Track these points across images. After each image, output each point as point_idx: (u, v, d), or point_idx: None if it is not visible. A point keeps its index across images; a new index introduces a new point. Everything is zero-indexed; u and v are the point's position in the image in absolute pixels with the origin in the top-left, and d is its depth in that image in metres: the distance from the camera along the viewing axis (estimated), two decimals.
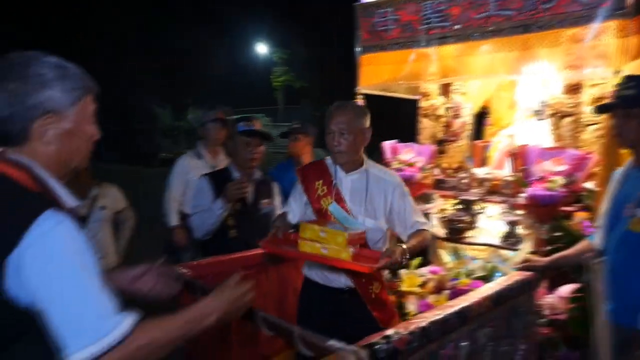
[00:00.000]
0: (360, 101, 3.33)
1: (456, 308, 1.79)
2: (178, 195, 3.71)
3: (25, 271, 1.07)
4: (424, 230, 2.31)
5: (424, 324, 1.63)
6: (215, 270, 2.47)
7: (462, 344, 1.87)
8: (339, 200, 2.30)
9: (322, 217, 2.30)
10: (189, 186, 3.57)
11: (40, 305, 1.09)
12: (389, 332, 1.53)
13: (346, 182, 2.32)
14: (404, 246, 2.08)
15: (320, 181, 2.36)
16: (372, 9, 3.16)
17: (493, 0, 2.58)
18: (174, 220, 3.70)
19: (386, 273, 2.70)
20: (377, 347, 1.45)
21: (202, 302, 1.37)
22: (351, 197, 2.30)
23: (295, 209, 2.44)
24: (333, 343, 1.47)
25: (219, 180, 2.89)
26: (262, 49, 21.00)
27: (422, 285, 2.93)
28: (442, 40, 2.83)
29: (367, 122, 2.31)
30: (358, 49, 3.30)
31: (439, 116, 3.39)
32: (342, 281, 2.30)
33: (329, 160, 2.40)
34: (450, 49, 2.83)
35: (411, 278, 2.95)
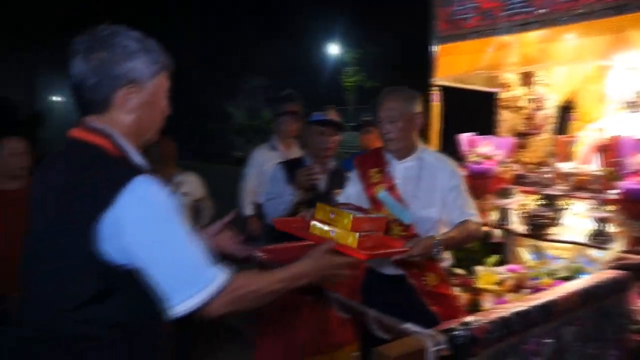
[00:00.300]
0: (435, 93, 3.27)
1: (541, 301, 1.70)
2: (253, 186, 3.80)
3: (123, 233, 1.13)
4: (470, 221, 2.17)
5: (505, 314, 1.56)
6: (289, 256, 2.51)
7: (546, 340, 1.77)
8: (392, 188, 2.27)
9: (374, 205, 2.28)
10: (263, 178, 3.64)
11: (139, 263, 1.16)
12: (468, 319, 1.48)
13: (399, 169, 2.29)
14: (437, 237, 2.01)
15: (375, 169, 2.34)
16: None
17: None
18: (248, 210, 3.80)
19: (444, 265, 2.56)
20: (455, 332, 1.41)
21: (299, 263, 1.44)
22: (403, 185, 2.26)
23: (352, 196, 2.41)
24: (409, 326, 1.44)
25: (292, 168, 2.93)
26: (333, 49, 21.13)
27: (500, 283, 2.81)
28: (525, 26, 2.70)
29: (418, 107, 2.25)
30: (434, 40, 3.23)
31: (520, 108, 3.24)
32: (391, 269, 2.25)
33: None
34: (533, 36, 2.70)
35: (487, 275, 2.84)
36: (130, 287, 1.19)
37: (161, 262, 1.16)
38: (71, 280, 1.18)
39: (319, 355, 2.71)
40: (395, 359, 1.27)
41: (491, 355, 1.57)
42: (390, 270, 2.28)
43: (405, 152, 2.28)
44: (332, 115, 2.93)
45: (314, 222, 1.96)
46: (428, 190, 2.23)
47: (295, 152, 3.75)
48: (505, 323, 1.54)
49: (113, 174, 1.16)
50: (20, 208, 2.68)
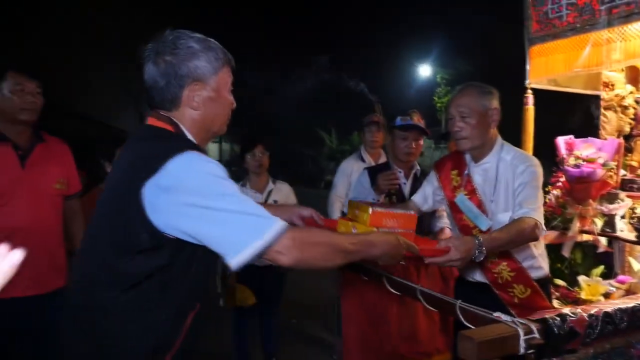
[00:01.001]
0: (529, 97, 3.14)
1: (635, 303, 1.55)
2: (341, 195, 3.88)
3: (166, 200, 1.20)
4: (524, 219, 1.89)
5: (609, 309, 1.44)
6: None
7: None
8: (472, 192, 2.13)
9: (453, 209, 2.18)
10: (351, 187, 3.71)
11: (189, 226, 1.22)
12: (566, 310, 1.39)
13: (477, 172, 2.17)
14: (479, 238, 1.76)
15: (456, 171, 2.23)
16: None
17: None
18: (335, 217, 3.86)
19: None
20: (550, 322, 1.33)
21: (374, 234, 1.50)
22: (482, 189, 2.13)
23: (428, 192, 2.36)
24: (500, 315, 1.39)
25: (376, 173, 2.95)
26: (425, 70, 20.96)
27: (607, 295, 2.59)
28: (628, 18, 2.53)
29: (494, 102, 2.10)
30: (527, 42, 3.11)
31: (626, 107, 3.00)
32: (477, 277, 2.13)
33: None
34: (639, 27, 2.51)
35: (593, 287, 2.63)
36: (178, 249, 1.27)
37: (213, 217, 1.20)
38: (123, 235, 1.26)
39: None
40: (480, 343, 1.23)
41: (595, 355, 1.46)
42: (474, 278, 2.18)
43: (481, 152, 2.15)
44: (415, 119, 2.94)
45: (341, 220, 1.90)
46: (506, 192, 2.07)
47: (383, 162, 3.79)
48: (608, 319, 1.43)
49: (167, 146, 1.26)
50: None
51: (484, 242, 1.73)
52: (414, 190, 2.89)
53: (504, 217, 2.03)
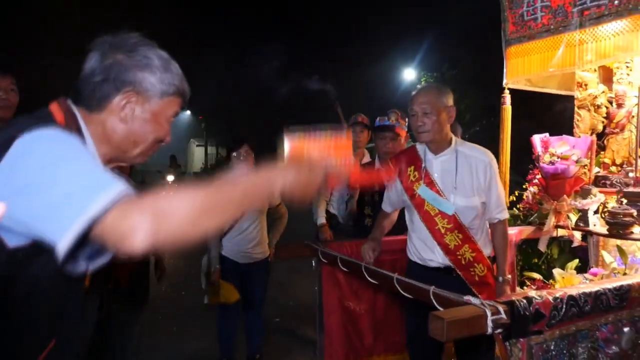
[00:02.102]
0: (507, 97, 3.22)
1: (614, 284, 1.63)
2: (325, 195, 3.92)
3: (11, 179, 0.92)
4: (504, 221, 2.36)
5: (573, 292, 1.51)
6: (355, 250, 2.58)
7: (624, 329, 1.68)
8: (430, 182, 2.34)
9: (415, 202, 2.36)
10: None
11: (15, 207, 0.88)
12: (532, 293, 1.45)
13: (436, 164, 2.36)
14: (501, 278, 2.29)
15: (412, 167, 2.41)
16: None
17: None
18: (321, 218, 3.91)
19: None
20: (517, 304, 1.39)
21: (266, 168, 1.06)
22: (442, 178, 2.33)
23: (392, 196, 2.54)
24: (470, 298, 1.45)
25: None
26: (409, 74, 21.14)
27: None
28: (598, 20, 2.62)
29: (450, 101, 2.33)
30: (504, 43, 3.20)
31: (598, 106, 3.10)
32: (439, 261, 2.32)
33: (418, 146, 2.45)
34: (609, 29, 2.61)
35: (567, 279, 2.70)
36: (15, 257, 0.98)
37: (45, 184, 0.90)
38: None
39: (390, 355, 2.72)
40: (449, 322, 1.29)
41: (561, 337, 1.53)
42: (437, 262, 2.32)
43: (440, 145, 2.35)
44: (393, 119, 3.05)
45: None
46: (467, 181, 2.29)
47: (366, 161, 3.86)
48: (572, 302, 1.50)
49: (20, 126, 0.99)
50: None
51: (506, 279, 2.26)
52: None
53: (466, 202, 2.28)
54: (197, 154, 43.90)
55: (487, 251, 2.36)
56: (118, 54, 1.16)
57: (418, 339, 2.23)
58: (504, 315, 1.35)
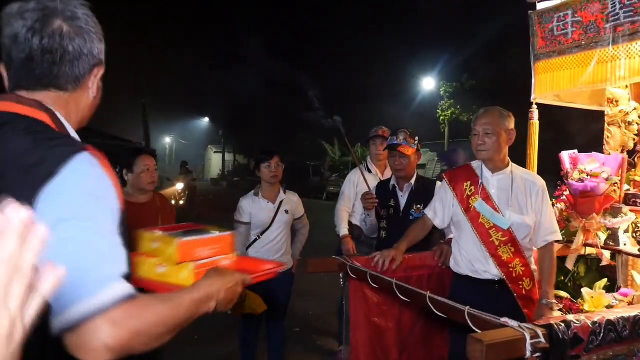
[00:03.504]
0: (534, 112, 3.20)
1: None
2: (349, 206, 3.94)
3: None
4: (554, 243, 2.46)
5: (611, 317, 1.49)
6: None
7: None
8: (486, 198, 2.47)
9: (470, 215, 2.48)
10: (358, 198, 3.78)
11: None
12: (570, 317, 1.44)
13: (492, 181, 2.50)
14: (544, 300, 2.31)
15: (469, 182, 2.54)
16: (550, 13, 3.04)
17: None
18: (343, 230, 3.91)
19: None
20: (555, 328, 1.38)
21: (203, 284, 1.10)
22: (498, 195, 2.46)
23: (440, 211, 2.65)
24: (507, 320, 1.44)
25: (382, 187, 3.39)
26: (429, 83, 21.09)
27: (610, 308, 2.62)
28: (632, 36, 2.60)
29: (511, 124, 2.48)
30: (533, 57, 3.19)
31: (630, 123, 3.06)
32: (493, 272, 2.40)
33: (474, 163, 2.60)
34: None
35: (596, 299, 2.66)
36: None
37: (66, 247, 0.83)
38: None
39: None
40: (489, 346, 1.28)
41: None
42: (490, 274, 2.41)
43: (498, 164, 2.49)
44: (401, 138, 3.17)
45: (138, 259, 1.37)
46: (521, 200, 2.43)
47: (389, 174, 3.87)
48: (610, 327, 1.48)
49: (58, 147, 0.93)
50: (148, 219, 3.02)
51: (549, 302, 2.29)
52: (410, 200, 3.21)
53: (518, 219, 2.41)
54: (215, 160, 44.30)
55: (533, 267, 2.46)
56: (65, 24, 1.04)
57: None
58: (542, 339, 1.34)
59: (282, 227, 3.51)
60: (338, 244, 3.96)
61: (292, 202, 3.64)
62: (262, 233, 3.48)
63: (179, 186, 12.89)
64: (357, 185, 3.88)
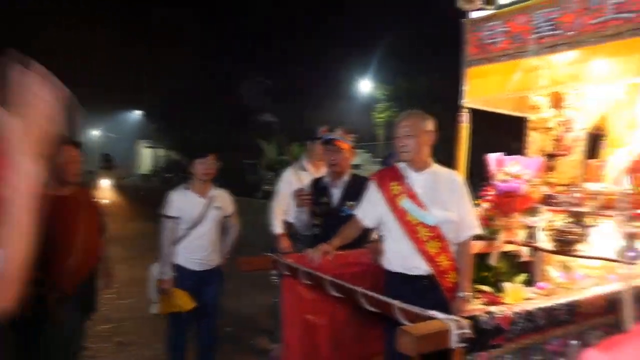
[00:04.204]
0: (465, 115, 3.35)
1: (566, 300, 1.72)
2: (283, 205, 3.92)
3: None
4: (468, 240, 2.56)
5: (530, 307, 1.59)
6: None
7: (572, 342, 1.78)
8: (412, 196, 2.56)
9: (398, 213, 2.56)
10: (292, 196, 3.77)
11: None
12: (493, 308, 1.52)
13: (417, 180, 2.60)
14: (461, 293, 2.40)
15: (395, 182, 2.63)
16: (482, 23, 3.19)
17: (611, 5, 2.51)
18: (278, 228, 3.90)
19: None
20: (479, 319, 1.45)
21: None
22: (423, 193, 2.57)
23: (369, 211, 2.71)
24: (434, 313, 1.49)
25: (316, 184, 3.42)
26: (365, 85, 21.50)
27: (528, 300, 2.79)
28: (553, 48, 2.78)
29: (430, 126, 2.60)
30: (464, 64, 3.33)
31: (549, 129, 3.28)
32: (422, 268, 2.50)
33: (400, 164, 2.69)
34: (562, 57, 2.77)
35: (516, 291, 2.83)
36: None
37: None
38: None
39: None
40: (418, 337, 1.32)
41: (516, 350, 1.60)
42: (420, 270, 2.49)
43: (421, 164, 2.61)
44: (338, 134, 3.20)
45: None
46: (444, 197, 2.54)
47: (324, 172, 3.90)
48: (529, 316, 1.58)
49: None
50: (68, 213, 2.87)
51: (466, 293, 2.39)
52: (344, 197, 3.27)
53: (445, 215, 2.51)
54: (146, 156, 42.70)
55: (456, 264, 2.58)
56: None
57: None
58: (468, 330, 1.40)
59: (212, 224, 3.45)
60: (273, 243, 3.95)
61: (223, 199, 3.58)
62: (192, 228, 3.38)
63: (104, 182, 11.90)
64: (292, 184, 3.88)
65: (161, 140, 37.62)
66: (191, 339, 3.55)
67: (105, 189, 11.66)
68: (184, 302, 3.32)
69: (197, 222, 3.39)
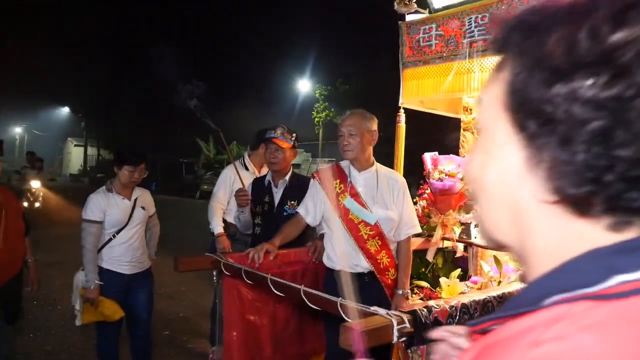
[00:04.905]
0: (401, 116, 3.44)
1: (498, 292, 1.81)
2: (222, 201, 3.86)
3: None
4: (409, 239, 2.67)
5: (465, 300, 1.65)
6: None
7: None
8: (355, 195, 2.61)
9: (340, 212, 2.60)
10: (232, 195, 3.71)
11: None
12: (431, 302, 1.56)
13: (359, 179, 2.65)
14: (401, 291, 2.53)
15: (337, 181, 2.67)
16: (417, 25, 3.28)
17: None
18: (218, 228, 3.82)
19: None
20: (419, 313, 1.49)
21: None
22: (365, 192, 2.61)
23: (312, 209, 2.73)
24: (377, 309, 1.52)
25: (258, 184, 3.36)
26: (304, 85, 21.57)
27: (462, 294, 2.90)
28: (484, 52, 2.91)
29: (374, 126, 2.65)
30: (401, 65, 3.42)
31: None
32: (363, 265, 2.55)
33: (343, 163, 2.73)
34: (493, 61, 2.90)
35: (452, 287, 2.93)
36: None
37: None
38: None
39: None
40: (360, 333, 1.33)
41: None
42: (362, 267, 2.54)
43: (363, 164, 2.65)
44: (278, 132, 3.21)
45: None
46: (386, 196, 2.60)
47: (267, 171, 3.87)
48: (465, 309, 1.63)
49: None
50: None
51: (405, 290, 2.51)
52: (285, 196, 3.24)
53: (384, 214, 2.56)
54: (75, 155, 40.57)
55: (396, 261, 2.64)
56: None
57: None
58: (407, 325, 1.43)
59: (139, 225, 3.31)
60: (211, 242, 3.87)
61: (146, 198, 3.45)
62: (118, 232, 3.22)
63: (35, 184, 11.04)
64: (232, 183, 3.81)
65: (92, 138, 35.89)
66: (125, 345, 3.40)
67: (34, 190, 10.86)
68: (113, 311, 3.15)
69: (124, 225, 3.24)
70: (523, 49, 0.48)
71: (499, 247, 0.56)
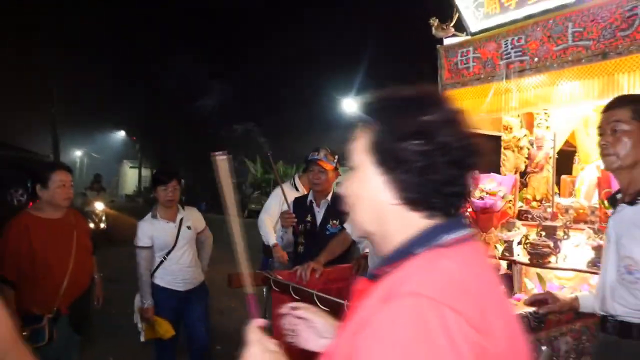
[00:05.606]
0: None
1: (534, 308, 1.86)
2: (273, 216, 4.06)
3: None
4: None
5: None
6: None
7: (542, 348, 1.91)
8: None
9: None
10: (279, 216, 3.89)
11: None
12: None
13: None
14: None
15: None
16: (455, 49, 3.39)
17: (571, 33, 2.72)
18: (272, 239, 4.01)
19: None
20: None
21: None
22: None
23: None
24: None
25: (300, 203, 3.48)
26: (349, 105, 21.79)
27: None
28: (521, 73, 2.98)
29: None
30: (440, 87, 3.52)
31: (521, 148, 3.47)
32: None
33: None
34: (530, 81, 2.97)
35: None
36: None
37: None
38: None
39: None
40: None
41: None
42: None
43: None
44: (321, 154, 3.31)
45: None
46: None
47: None
48: None
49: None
50: (62, 235, 2.95)
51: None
52: (327, 216, 3.34)
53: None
54: (130, 176, 42.42)
55: None
56: None
57: None
58: None
59: (187, 244, 3.50)
60: (263, 260, 4.06)
61: (193, 216, 3.64)
62: (168, 254, 3.44)
63: (99, 206, 11.73)
64: (281, 202, 4.00)
65: (145, 160, 37.48)
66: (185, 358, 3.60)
67: (99, 212, 11.50)
68: (164, 330, 3.38)
69: (172, 247, 3.44)
70: (382, 119, 0.88)
71: (366, 234, 0.93)
